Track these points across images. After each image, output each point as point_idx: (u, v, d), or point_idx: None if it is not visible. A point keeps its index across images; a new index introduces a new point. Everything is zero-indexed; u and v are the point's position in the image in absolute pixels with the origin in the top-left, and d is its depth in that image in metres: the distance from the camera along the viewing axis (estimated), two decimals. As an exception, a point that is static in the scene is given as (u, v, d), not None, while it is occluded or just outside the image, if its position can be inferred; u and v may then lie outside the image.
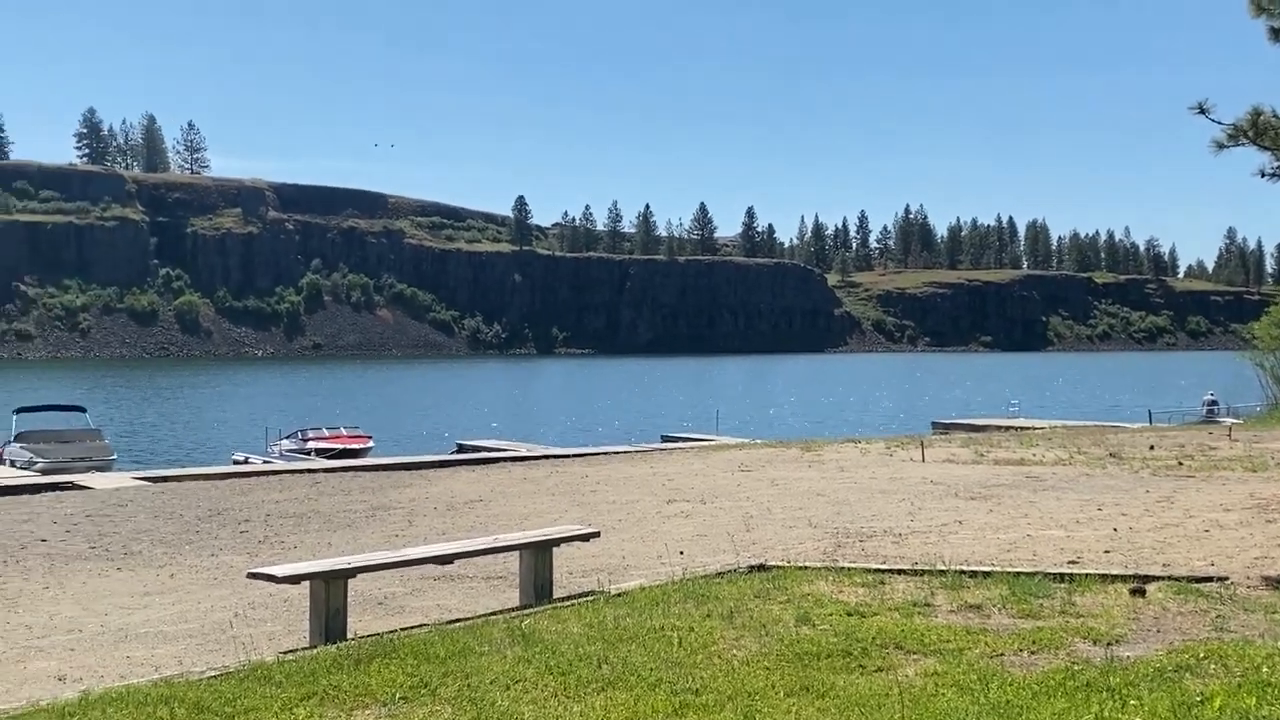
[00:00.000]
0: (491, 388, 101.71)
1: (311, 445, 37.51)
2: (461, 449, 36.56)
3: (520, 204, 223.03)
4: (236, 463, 34.47)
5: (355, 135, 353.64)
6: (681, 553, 12.87)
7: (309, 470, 28.17)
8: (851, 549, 12.79)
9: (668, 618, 8.66)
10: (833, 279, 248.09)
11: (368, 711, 6.56)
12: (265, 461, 34.47)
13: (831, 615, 8.74)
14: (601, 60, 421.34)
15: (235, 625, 9.77)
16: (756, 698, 6.68)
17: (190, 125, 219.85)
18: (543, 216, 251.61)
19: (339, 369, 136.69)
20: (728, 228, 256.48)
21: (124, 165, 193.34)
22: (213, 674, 7.42)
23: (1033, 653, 7.67)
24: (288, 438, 39.46)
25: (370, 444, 38.84)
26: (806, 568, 10.76)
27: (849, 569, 10.61)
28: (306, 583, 8.62)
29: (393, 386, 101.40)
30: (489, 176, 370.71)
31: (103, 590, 12.18)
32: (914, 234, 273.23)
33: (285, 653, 8.17)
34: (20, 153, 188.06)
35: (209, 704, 6.61)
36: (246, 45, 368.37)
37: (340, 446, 37.19)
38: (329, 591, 8.50)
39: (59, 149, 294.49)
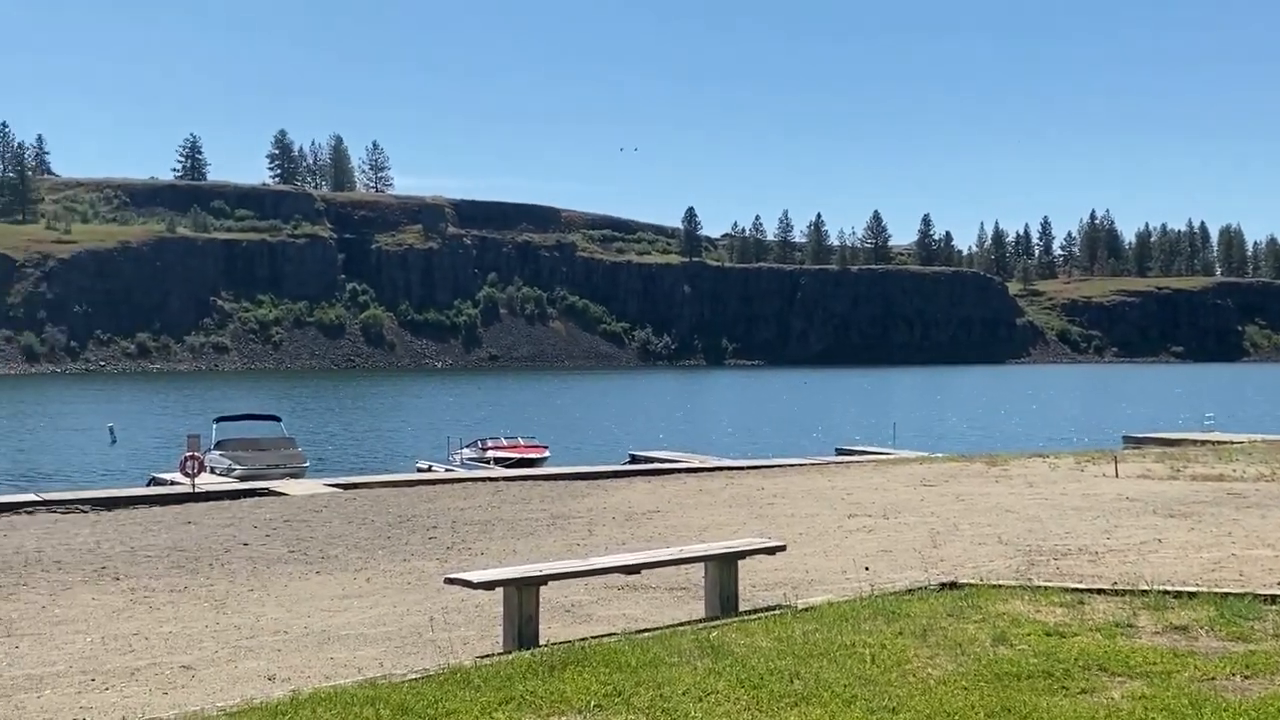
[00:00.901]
0: (662, 399, 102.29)
1: (491, 454, 38.35)
2: (635, 459, 36.86)
3: (690, 215, 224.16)
4: (420, 470, 35.44)
5: (529, 153, 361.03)
6: (867, 568, 12.68)
7: (490, 479, 28.81)
8: (1045, 567, 12.40)
9: (858, 634, 8.54)
10: (1014, 287, 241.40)
11: (564, 718, 6.65)
12: (448, 470, 35.35)
13: (1029, 635, 8.48)
14: (772, 71, 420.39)
15: (431, 629, 10.04)
16: (955, 718, 6.53)
17: (375, 145, 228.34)
18: (712, 227, 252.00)
19: (514, 380, 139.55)
20: (902, 236, 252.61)
21: (313, 185, 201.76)
22: (414, 676, 7.63)
23: (1246, 677, 7.29)
24: (468, 446, 40.43)
25: (546, 454, 39.50)
26: (1000, 586, 10.46)
27: (1045, 588, 10.27)
28: (500, 589, 8.79)
29: (565, 397, 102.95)
30: (659, 189, 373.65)
31: (304, 593, 12.68)
32: (1100, 240, 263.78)
33: (481, 657, 8.35)
34: (217, 174, 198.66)
35: (412, 706, 6.80)
36: (428, 69, 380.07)
37: (518, 456, 37.93)
38: (521, 598, 8.66)
39: (253, 170, 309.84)
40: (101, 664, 9.42)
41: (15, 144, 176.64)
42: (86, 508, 25.09)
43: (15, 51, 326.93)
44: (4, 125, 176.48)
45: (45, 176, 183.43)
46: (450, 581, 9.05)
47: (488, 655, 8.48)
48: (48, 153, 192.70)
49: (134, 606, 12.28)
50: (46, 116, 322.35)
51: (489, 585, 8.68)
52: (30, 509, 24.89)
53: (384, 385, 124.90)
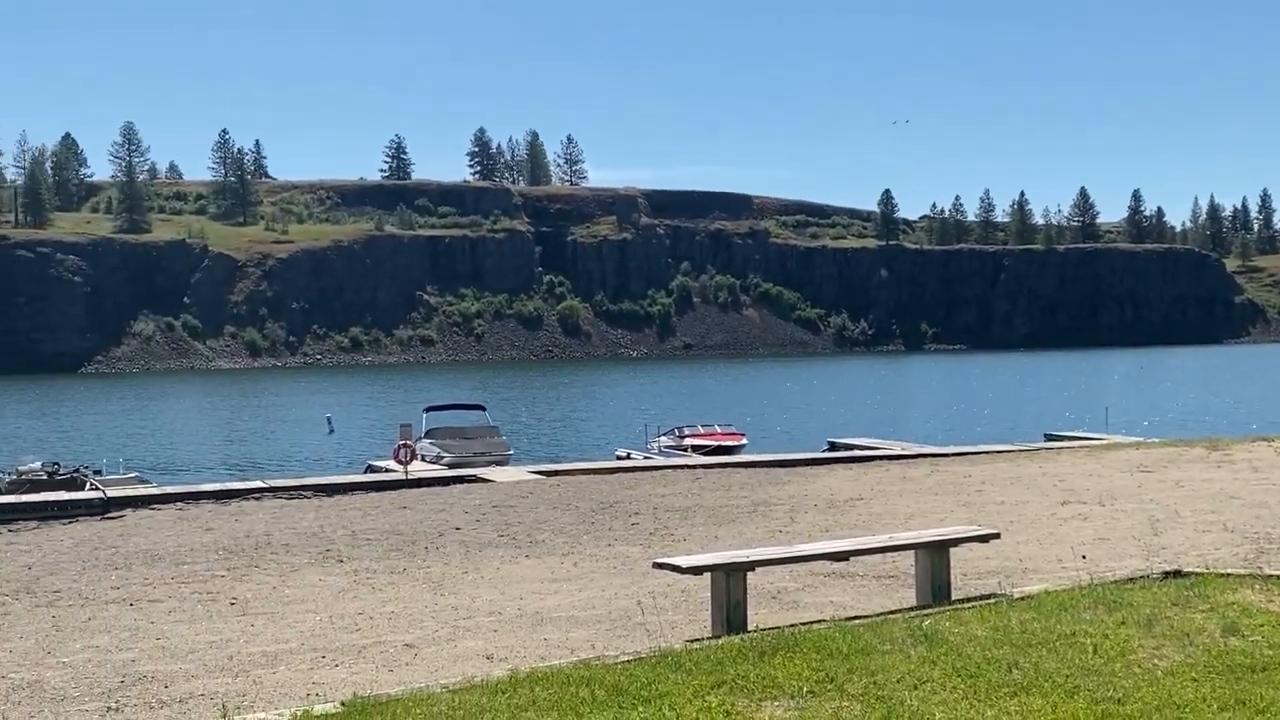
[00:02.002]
0: (859, 385, 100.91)
1: (688, 441, 38.56)
2: (833, 446, 36.47)
3: (886, 198, 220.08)
4: (619, 458, 35.94)
5: (721, 141, 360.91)
6: (1084, 557, 12.25)
7: (689, 466, 28.99)
8: (1276, 556, 11.74)
9: (1078, 624, 8.27)
10: (1231, 264, 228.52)
11: (776, 703, 6.65)
12: (646, 457, 35.75)
13: (1262, 626, 8.05)
14: (966, 52, 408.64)
15: (639, 613, 10.19)
16: (1186, 710, 6.26)
17: (569, 139, 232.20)
18: (909, 209, 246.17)
19: (708, 368, 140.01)
20: (1111, 213, 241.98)
21: (511, 180, 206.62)
22: (626, 659, 7.76)
23: None
24: (666, 434, 40.76)
25: (744, 441, 39.48)
26: (1228, 575, 9.96)
27: (1278, 577, 9.72)
28: (708, 574, 8.85)
29: (760, 384, 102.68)
30: (854, 173, 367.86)
31: (514, 576, 13.04)
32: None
33: (691, 641, 8.43)
34: (420, 173, 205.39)
35: (626, 687, 6.91)
36: (620, 62, 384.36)
37: (715, 443, 38.02)
38: (729, 584, 8.70)
39: (454, 168, 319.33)
40: (330, 642, 9.91)
41: (235, 150, 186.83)
42: (309, 494, 26.41)
43: (234, 62, 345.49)
44: (225, 133, 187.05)
45: (263, 180, 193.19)
46: (658, 566, 9.16)
47: (697, 640, 8.56)
48: (265, 157, 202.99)
49: (357, 587, 12.86)
50: (263, 123, 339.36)
51: (697, 570, 8.76)
52: (258, 495, 26.35)
53: (581, 375, 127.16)
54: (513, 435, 44.86)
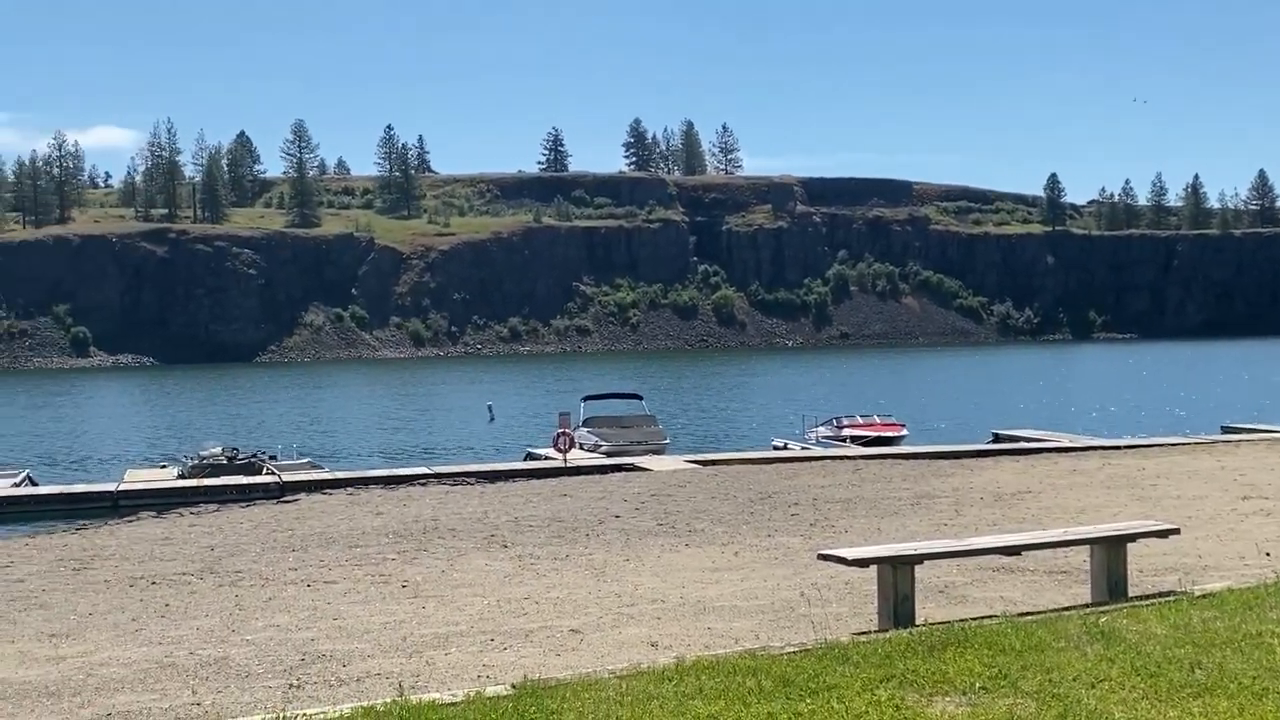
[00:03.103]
0: (1024, 375, 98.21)
1: (846, 432, 38.10)
2: (998, 438, 35.64)
3: (1052, 182, 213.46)
4: (776, 448, 35.76)
5: (879, 127, 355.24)
6: (1268, 554, 11.71)
7: (848, 457, 28.72)
8: None
9: (1265, 623, 7.90)
10: None
11: (948, 699, 6.53)
12: (803, 448, 35.48)
13: None
14: (1139, 26, 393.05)
15: (803, 604, 10.13)
16: (1388, 719, 5.92)
17: (724, 128, 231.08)
18: (1077, 194, 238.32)
19: (866, 357, 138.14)
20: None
21: (666, 170, 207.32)
22: (792, 650, 7.72)
23: None
24: (823, 425, 40.35)
25: (904, 432, 38.81)
26: None
27: None
28: (874, 567, 8.74)
29: (920, 374, 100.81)
30: (1018, 157, 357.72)
31: (675, 564, 13.11)
32: None
33: (857, 634, 8.34)
34: (577, 165, 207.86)
35: (793, 678, 6.88)
36: (775, 50, 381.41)
37: (874, 434, 37.47)
38: (897, 577, 8.58)
39: (610, 159, 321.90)
40: (498, 625, 10.12)
41: (400, 146, 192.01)
42: (472, 480, 27.08)
43: (399, 61, 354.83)
44: (390, 129, 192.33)
45: (426, 174, 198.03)
46: (823, 558, 9.09)
47: (864, 633, 8.46)
48: (428, 152, 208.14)
49: (522, 572, 13.11)
50: (426, 119, 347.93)
51: (863, 563, 8.66)
52: (424, 481, 27.13)
53: (736, 364, 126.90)
54: (668, 424, 45.01)
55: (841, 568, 9.81)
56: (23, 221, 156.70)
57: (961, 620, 8.54)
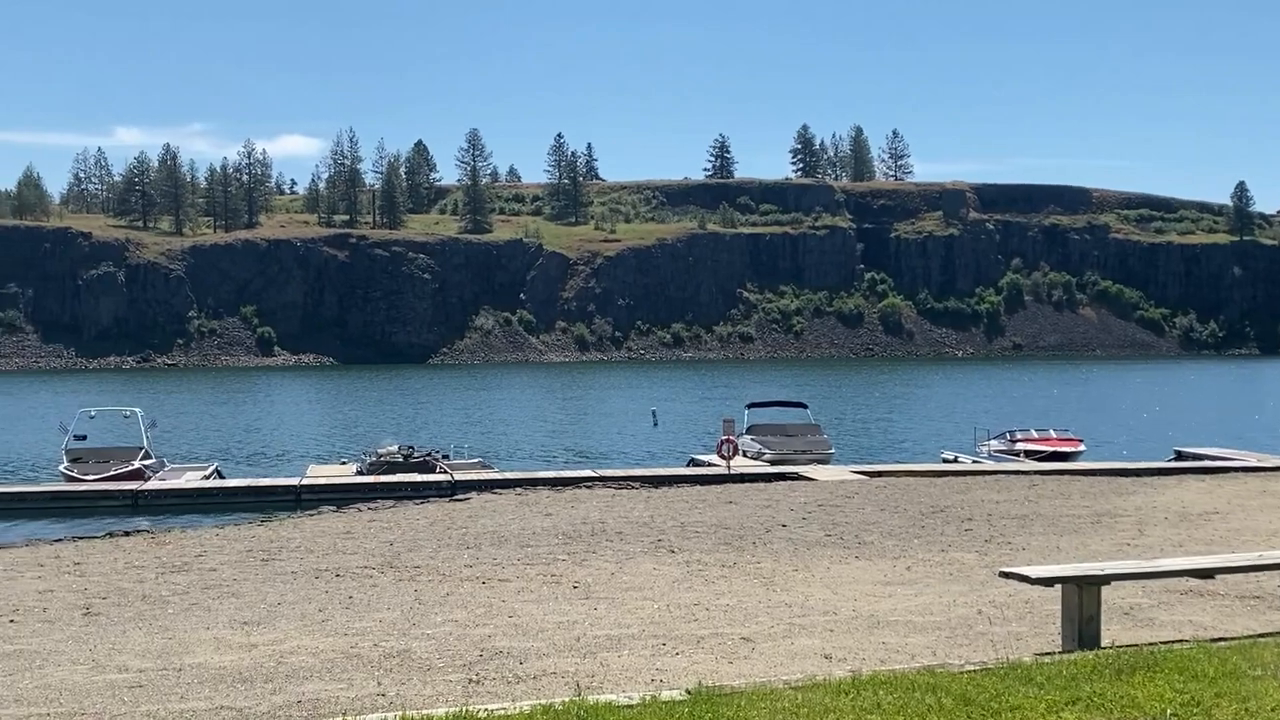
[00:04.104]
0: (1209, 391, 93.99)
1: (1020, 446, 37.06)
2: (1181, 456, 34.21)
3: (1240, 190, 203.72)
4: (946, 461, 35.04)
5: (1056, 132, 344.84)
6: None
7: (1023, 472, 27.97)
8: None
9: None
10: None
11: (1137, 725, 6.31)
12: (974, 461, 34.67)
13: None
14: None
15: (980, 622, 9.91)
16: None
17: (894, 134, 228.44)
18: (1267, 203, 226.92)
19: (1040, 369, 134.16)
20: None
21: (833, 176, 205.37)
22: (971, 668, 7.57)
23: None
24: (996, 438, 39.33)
25: (1081, 447, 37.53)
26: None
27: None
28: (1058, 586, 8.50)
29: (1097, 388, 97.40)
30: (1203, 164, 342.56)
31: (845, 576, 12.97)
32: None
33: (1040, 655, 8.12)
34: (743, 171, 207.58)
35: (974, 698, 6.74)
36: (944, 53, 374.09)
37: (1050, 449, 36.34)
38: (1082, 597, 8.32)
39: (776, 165, 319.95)
40: (669, 630, 10.18)
41: (569, 153, 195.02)
42: (637, 484, 27.30)
43: (567, 72, 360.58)
44: (560, 137, 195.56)
45: (594, 181, 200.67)
46: (1005, 575, 8.88)
47: (1046, 653, 8.23)
48: (596, 160, 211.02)
49: (691, 578, 13.16)
50: (594, 126, 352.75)
51: (1047, 582, 8.42)
52: (589, 484, 27.47)
53: (902, 374, 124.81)
54: (831, 434, 44.56)
55: (1021, 585, 9.58)
56: (214, 226, 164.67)
57: (1150, 644, 8.24)
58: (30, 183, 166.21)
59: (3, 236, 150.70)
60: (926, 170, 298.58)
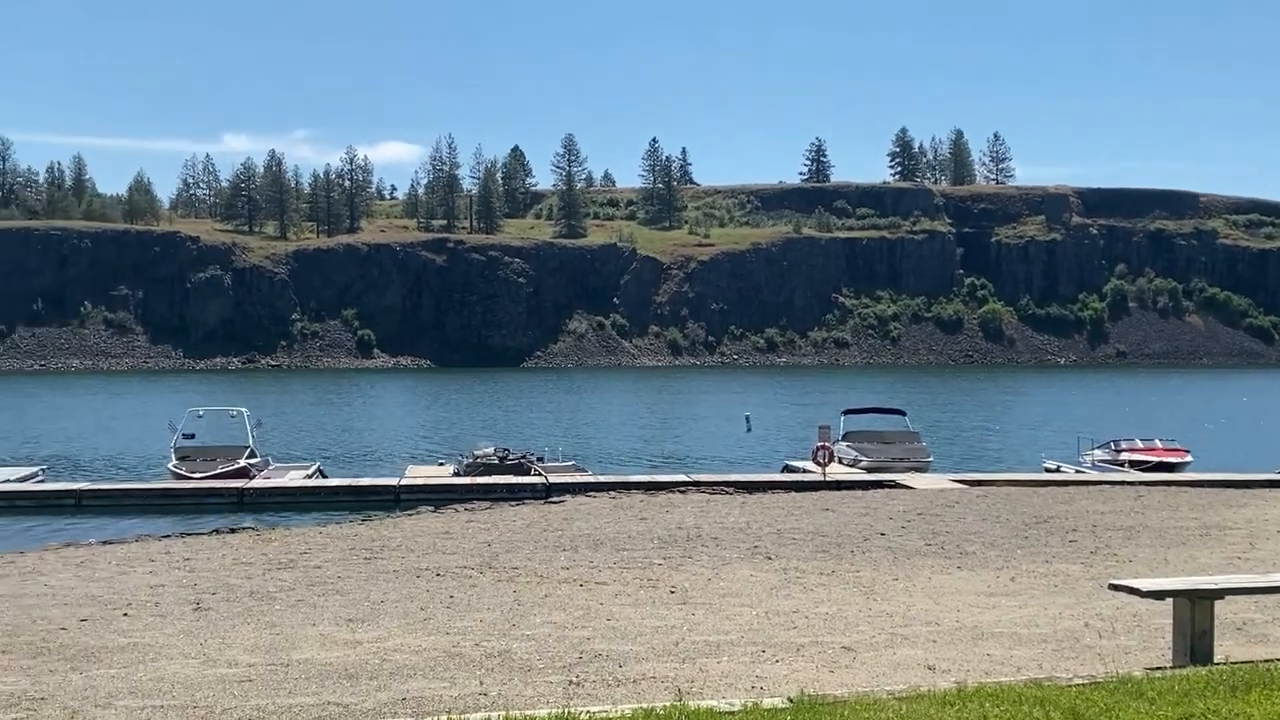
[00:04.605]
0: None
1: (1125, 456, 36.25)
2: (1295, 469, 33.15)
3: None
4: (1048, 470, 34.41)
5: (1162, 136, 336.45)
6: None
7: (1129, 482, 27.37)
8: None
9: None
10: None
11: (1258, 746, 6.13)
12: (1078, 471, 34.01)
13: None
14: None
15: (1088, 634, 9.71)
16: None
17: (995, 137, 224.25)
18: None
19: (1145, 378, 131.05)
20: None
21: (932, 180, 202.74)
22: (1080, 682, 7.42)
23: None
24: (1100, 448, 38.52)
25: (1188, 458, 36.58)
26: None
27: None
28: (1169, 600, 8.29)
29: (1205, 397, 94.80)
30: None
31: (947, 587, 12.79)
32: None
33: (1150, 669, 7.93)
34: (840, 175, 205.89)
35: (1083, 712, 6.60)
36: (1046, 54, 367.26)
37: (1156, 459, 35.49)
38: (1194, 611, 8.10)
39: (874, 169, 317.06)
40: (769, 637, 10.14)
41: (664, 158, 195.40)
42: (730, 490, 27.24)
43: (662, 77, 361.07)
44: (654, 142, 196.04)
45: (688, 186, 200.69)
46: (1114, 588, 8.69)
47: (1157, 668, 8.04)
48: (690, 164, 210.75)
49: (789, 585, 13.09)
50: (689, 130, 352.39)
51: (1158, 595, 8.22)
52: (683, 489, 27.49)
53: (1002, 381, 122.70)
54: (929, 442, 43.96)
55: (1129, 598, 9.36)
56: (317, 230, 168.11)
57: (1265, 660, 8.00)
58: (141, 188, 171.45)
59: (114, 240, 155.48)
60: (1028, 174, 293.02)
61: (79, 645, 10.30)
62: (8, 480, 30.07)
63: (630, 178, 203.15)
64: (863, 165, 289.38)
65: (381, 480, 30.89)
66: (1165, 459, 35.40)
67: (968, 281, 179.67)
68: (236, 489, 28.70)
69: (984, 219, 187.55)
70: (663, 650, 9.65)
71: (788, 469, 34.20)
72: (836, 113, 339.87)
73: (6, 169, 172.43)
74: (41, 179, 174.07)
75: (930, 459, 35.45)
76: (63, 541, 19.99)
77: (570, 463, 34.86)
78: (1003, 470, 35.48)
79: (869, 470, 32.59)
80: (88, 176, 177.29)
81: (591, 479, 30.00)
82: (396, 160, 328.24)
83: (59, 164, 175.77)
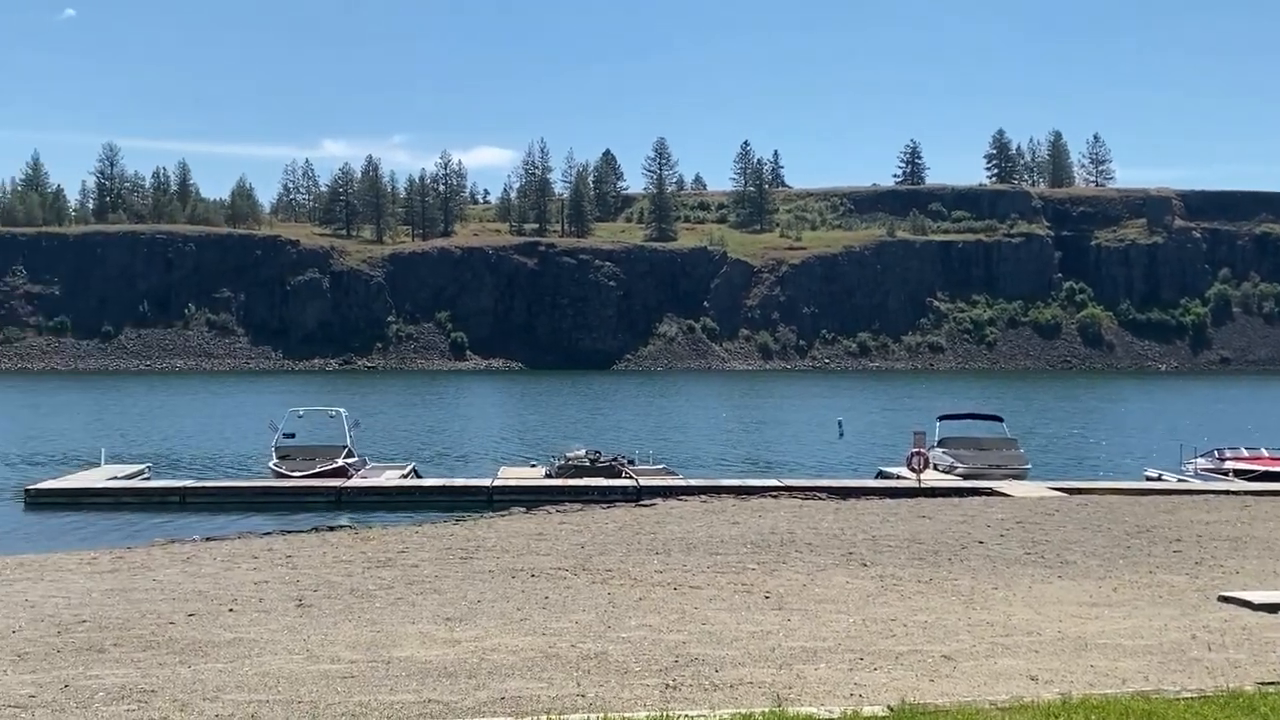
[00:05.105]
0: None
1: (1230, 465, 35.25)
2: None
3: None
4: (1149, 479, 33.64)
5: (1270, 137, 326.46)
6: None
7: (1234, 492, 26.66)
8: None
9: None
10: None
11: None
12: (1180, 480, 33.18)
13: None
14: None
15: (1194, 647, 9.47)
16: None
17: (1095, 138, 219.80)
18: None
19: (1251, 385, 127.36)
20: None
21: (1030, 182, 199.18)
22: (1188, 695, 7.25)
23: None
24: (1203, 456, 37.53)
25: (1296, 468, 35.46)
26: None
27: None
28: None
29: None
30: None
31: (1048, 596, 12.57)
32: None
33: (1262, 684, 7.72)
34: (935, 178, 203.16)
35: (1193, 727, 6.46)
36: (1148, 55, 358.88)
37: (1263, 469, 34.47)
38: (1310, 627, 7.85)
39: (970, 171, 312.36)
40: (866, 644, 10.05)
41: (755, 161, 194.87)
42: (823, 495, 27.04)
43: (754, 79, 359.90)
44: (746, 144, 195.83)
45: (779, 189, 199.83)
46: (1225, 600, 8.48)
47: (1269, 683, 7.82)
48: (782, 167, 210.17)
49: (885, 593, 12.96)
50: (781, 133, 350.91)
51: (1271, 608, 8.00)
52: (775, 494, 27.36)
53: (1102, 387, 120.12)
54: (1027, 448, 43.13)
55: (1239, 610, 9.13)
56: (412, 234, 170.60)
57: (1388, 681, 7.73)
58: (243, 193, 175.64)
59: (217, 243, 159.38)
60: (1129, 176, 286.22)
61: (187, 639, 10.57)
62: (115, 477, 30.98)
63: (721, 180, 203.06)
64: (958, 168, 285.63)
65: (475, 481, 31.22)
66: (1272, 468, 34.39)
67: (1066, 285, 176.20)
68: (335, 488, 29.23)
69: (1083, 222, 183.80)
70: (759, 655, 9.61)
71: (881, 475, 33.85)
72: (932, 115, 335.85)
73: (114, 174, 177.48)
74: (148, 184, 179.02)
75: (1028, 466, 34.85)
76: (168, 537, 20.55)
77: (661, 466, 34.90)
78: (1103, 479, 34.77)
79: (965, 477, 32.15)
80: (192, 182, 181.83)
81: (682, 482, 30.01)
82: (490, 164, 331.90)
83: (165, 170, 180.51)
